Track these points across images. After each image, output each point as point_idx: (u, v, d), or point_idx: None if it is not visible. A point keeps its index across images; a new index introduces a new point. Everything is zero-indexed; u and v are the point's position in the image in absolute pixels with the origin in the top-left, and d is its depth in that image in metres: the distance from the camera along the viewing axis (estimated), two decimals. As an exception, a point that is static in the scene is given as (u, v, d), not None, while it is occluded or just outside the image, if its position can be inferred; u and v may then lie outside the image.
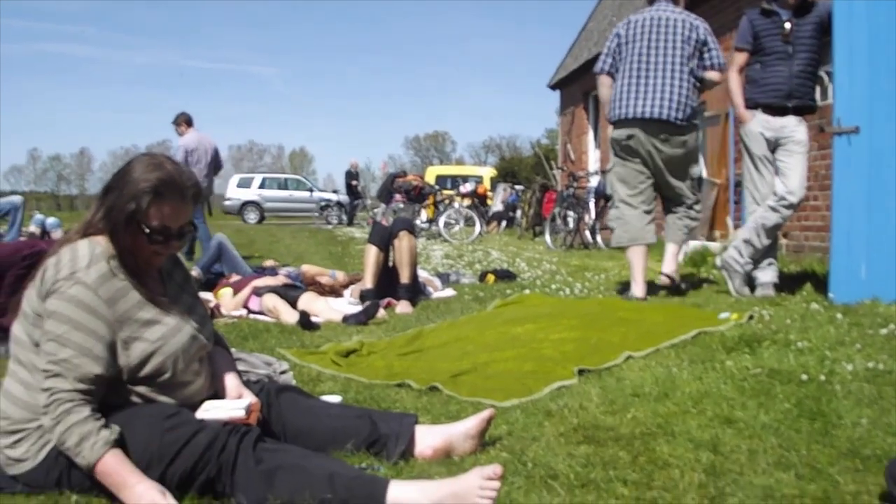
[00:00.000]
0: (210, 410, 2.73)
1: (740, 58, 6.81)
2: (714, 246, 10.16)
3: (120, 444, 2.50)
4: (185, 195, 2.76)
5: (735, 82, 6.82)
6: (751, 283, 6.79)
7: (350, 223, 28.70)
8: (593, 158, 20.12)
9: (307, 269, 8.60)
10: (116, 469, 2.48)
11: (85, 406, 2.51)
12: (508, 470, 2.74)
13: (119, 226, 2.68)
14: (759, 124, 6.63)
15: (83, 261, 2.62)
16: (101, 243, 2.70)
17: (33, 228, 11.57)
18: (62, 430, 2.48)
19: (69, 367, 2.51)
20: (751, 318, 5.35)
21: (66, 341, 2.53)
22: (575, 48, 22.53)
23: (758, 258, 6.72)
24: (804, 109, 6.66)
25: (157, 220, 2.71)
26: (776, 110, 6.62)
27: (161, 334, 2.71)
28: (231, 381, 2.96)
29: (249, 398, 2.87)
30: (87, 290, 2.58)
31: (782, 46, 6.55)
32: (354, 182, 31.30)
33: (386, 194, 20.99)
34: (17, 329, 2.69)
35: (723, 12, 12.40)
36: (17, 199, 11.73)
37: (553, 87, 23.88)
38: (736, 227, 10.52)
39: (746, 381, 3.93)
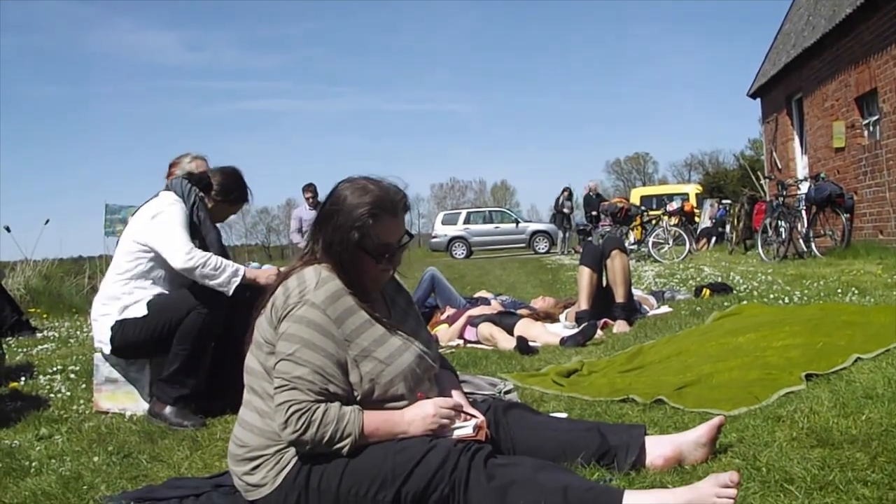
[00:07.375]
0: None
1: None
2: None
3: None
4: (397, 210, 2.86)
5: None
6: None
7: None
8: (801, 165, 19.36)
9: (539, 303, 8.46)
10: (380, 419, 2.68)
11: (323, 404, 2.63)
12: (742, 475, 2.73)
13: (345, 255, 2.79)
14: None
15: (311, 283, 2.74)
16: (324, 269, 2.81)
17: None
18: (314, 432, 2.58)
19: (303, 382, 2.62)
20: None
21: (298, 359, 2.64)
22: (772, 53, 21.78)
23: None
24: None
25: (378, 241, 2.80)
26: None
27: (389, 353, 2.78)
28: (458, 399, 2.97)
29: (477, 416, 2.89)
30: (316, 309, 2.69)
31: None
32: (566, 209, 30.84)
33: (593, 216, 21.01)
34: (250, 359, 2.83)
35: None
36: None
37: (753, 95, 23.19)
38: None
39: None
